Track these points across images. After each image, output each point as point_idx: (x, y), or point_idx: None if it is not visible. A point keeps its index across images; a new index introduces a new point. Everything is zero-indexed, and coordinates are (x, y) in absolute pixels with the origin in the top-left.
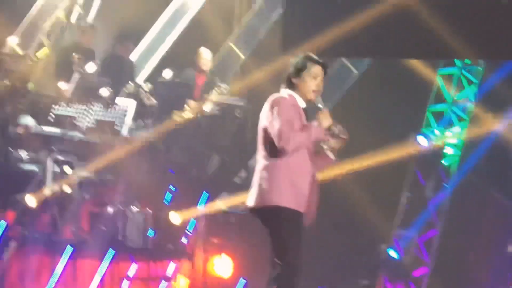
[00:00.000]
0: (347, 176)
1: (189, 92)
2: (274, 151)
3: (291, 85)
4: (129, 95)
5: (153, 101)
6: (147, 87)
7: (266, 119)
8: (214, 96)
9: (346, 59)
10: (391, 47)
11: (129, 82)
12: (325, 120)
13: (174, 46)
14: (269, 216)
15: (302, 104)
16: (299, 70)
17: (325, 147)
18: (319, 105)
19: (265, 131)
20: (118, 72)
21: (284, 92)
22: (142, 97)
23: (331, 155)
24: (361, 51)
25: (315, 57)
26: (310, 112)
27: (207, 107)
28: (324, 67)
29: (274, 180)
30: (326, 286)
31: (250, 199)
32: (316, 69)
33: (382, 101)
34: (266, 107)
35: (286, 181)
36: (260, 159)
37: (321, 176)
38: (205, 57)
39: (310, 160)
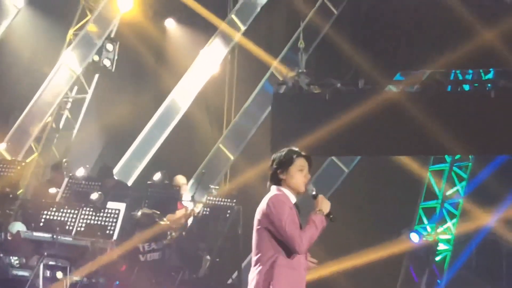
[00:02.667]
0: (340, 273)
1: (179, 195)
2: (272, 252)
3: (279, 182)
4: None
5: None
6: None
7: (269, 222)
8: (204, 198)
9: (335, 157)
10: (380, 144)
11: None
12: (325, 205)
13: (164, 147)
14: None
15: (293, 199)
16: (285, 165)
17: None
18: (313, 193)
19: (261, 232)
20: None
21: (274, 190)
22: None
23: None
24: (351, 149)
25: (298, 150)
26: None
27: (198, 209)
28: (308, 159)
29: (275, 281)
30: None
31: None
32: (301, 161)
33: (373, 198)
34: (264, 209)
35: (286, 282)
36: (257, 261)
37: (312, 276)
38: (182, 182)
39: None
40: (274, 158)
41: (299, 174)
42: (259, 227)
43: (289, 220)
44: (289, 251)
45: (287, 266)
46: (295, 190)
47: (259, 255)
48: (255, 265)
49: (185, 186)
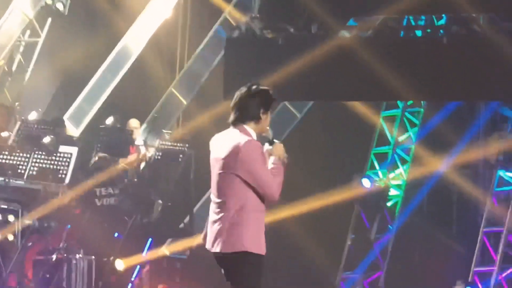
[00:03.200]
0: (291, 219)
1: (131, 138)
2: (239, 196)
3: (256, 120)
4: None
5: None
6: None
7: (241, 168)
8: (156, 142)
9: (288, 102)
10: (333, 89)
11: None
12: (282, 152)
13: (116, 92)
14: (238, 262)
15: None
16: (269, 106)
17: None
18: (271, 138)
19: (226, 176)
20: None
21: (241, 132)
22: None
23: None
24: (303, 94)
25: None
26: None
27: (150, 154)
28: None
29: (244, 226)
30: None
31: (215, 243)
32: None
33: (325, 144)
34: (235, 153)
35: (255, 226)
36: (221, 206)
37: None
38: (135, 125)
39: None
40: (254, 93)
41: (269, 117)
42: (224, 171)
43: (265, 167)
44: (258, 196)
45: (256, 210)
46: (259, 131)
47: (222, 199)
48: (218, 210)
49: (138, 130)
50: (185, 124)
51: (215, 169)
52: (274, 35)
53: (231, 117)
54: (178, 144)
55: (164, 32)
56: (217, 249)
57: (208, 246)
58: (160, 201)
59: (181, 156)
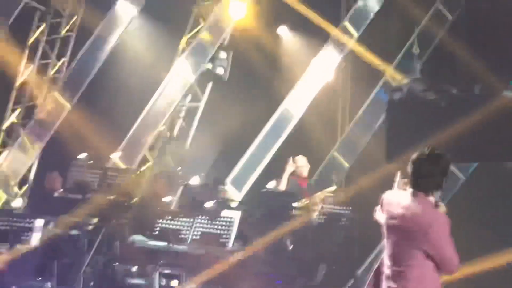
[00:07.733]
0: (459, 281)
1: (294, 201)
2: (422, 268)
3: (440, 189)
4: None
5: None
6: None
7: (428, 242)
8: (319, 205)
9: (452, 164)
10: (498, 150)
11: None
12: None
13: (277, 156)
14: None
15: None
16: (448, 174)
17: None
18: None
19: (411, 248)
20: None
21: (430, 202)
22: None
23: None
24: (468, 156)
25: None
26: None
27: (314, 216)
28: None
29: None
30: None
31: None
32: None
33: (492, 207)
34: (425, 228)
35: None
36: (403, 272)
37: None
38: (302, 164)
39: None
40: (437, 161)
41: None
42: (407, 243)
43: (451, 243)
44: (436, 266)
45: (434, 281)
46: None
47: (401, 268)
48: (396, 277)
49: (305, 168)
50: (348, 187)
51: (393, 236)
52: (437, 97)
53: (412, 184)
54: (341, 208)
55: (325, 95)
56: None
57: None
58: (323, 264)
59: (344, 219)
